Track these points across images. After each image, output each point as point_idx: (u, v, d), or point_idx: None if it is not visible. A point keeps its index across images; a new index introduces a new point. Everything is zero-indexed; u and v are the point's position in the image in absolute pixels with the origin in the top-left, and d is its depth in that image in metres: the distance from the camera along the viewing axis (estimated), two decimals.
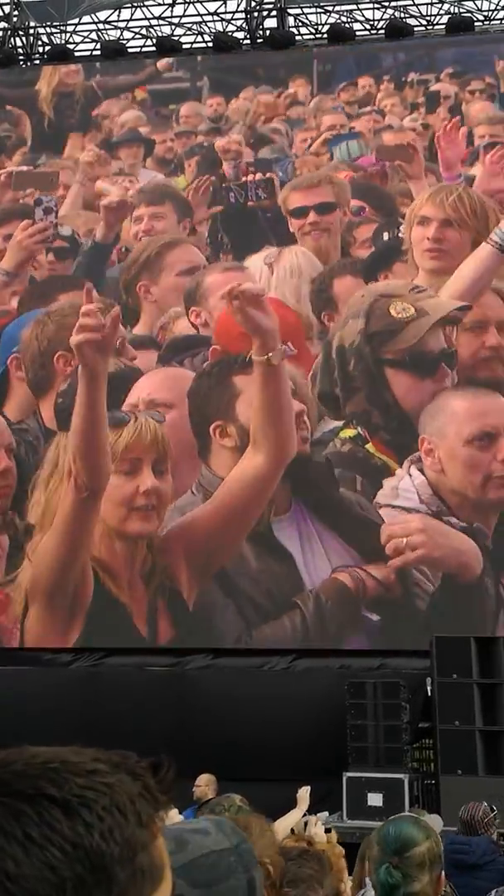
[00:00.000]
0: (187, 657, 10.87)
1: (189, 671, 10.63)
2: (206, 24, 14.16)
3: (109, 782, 0.78)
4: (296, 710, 9.82)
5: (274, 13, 14.06)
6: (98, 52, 14.24)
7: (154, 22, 14.25)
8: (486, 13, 13.56)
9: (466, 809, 4.71)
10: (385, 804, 8.19)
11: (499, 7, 13.53)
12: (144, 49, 14.24)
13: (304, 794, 4.95)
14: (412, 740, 9.46)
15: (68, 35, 14.44)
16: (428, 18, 13.63)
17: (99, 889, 0.74)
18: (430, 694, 9.21)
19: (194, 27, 14.20)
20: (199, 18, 14.17)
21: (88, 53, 14.37)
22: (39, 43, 14.62)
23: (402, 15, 13.60)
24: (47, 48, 14.46)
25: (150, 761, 0.84)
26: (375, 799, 8.42)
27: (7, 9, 14.35)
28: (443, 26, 13.44)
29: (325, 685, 9.86)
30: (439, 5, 13.59)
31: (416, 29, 13.53)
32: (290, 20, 14.07)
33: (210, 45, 14.00)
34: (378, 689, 9.20)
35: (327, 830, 3.86)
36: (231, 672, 10.49)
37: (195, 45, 14.18)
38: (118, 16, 14.32)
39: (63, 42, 14.39)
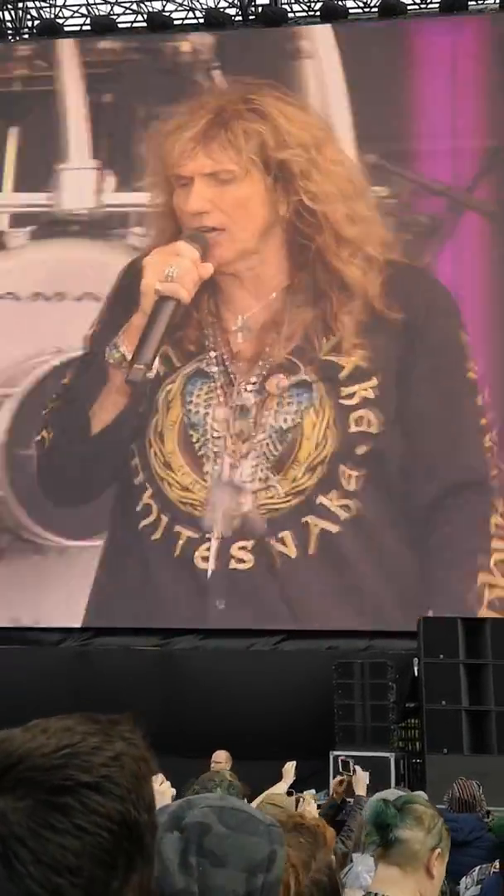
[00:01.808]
0: (175, 637, 10.91)
1: (177, 651, 10.67)
2: (197, 1, 14.01)
3: (118, 753, 0.82)
4: (284, 689, 9.88)
5: None
6: (88, 27, 14.09)
7: None
8: None
9: (462, 787, 4.74)
10: (371, 783, 8.24)
11: None
12: (135, 24, 14.10)
13: (289, 768, 5.02)
14: (399, 720, 9.54)
15: (57, 9, 14.26)
16: None
17: (140, 855, 0.79)
18: (416, 674, 9.27)
19: (185, 3, 14.05)
20: None
21: (78, 28, 14.21)
22: (28, 17, 14.44)
23: None
24: (36, 23, 14.30)
25: (130, 722, 0.88)
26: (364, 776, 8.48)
27: None
28: (437, 5, 13.35)
29: (313, 665, 9.92)
30: None
31: (409, 8, 13.43)
32: None
33: (201, 21, 13.87)
34: (365, 669, 9.28)
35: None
36: (219, 652, 10.53)
37: (186, 21, 14.04)
38: None
39: (52, 17, 14.22)
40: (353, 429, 10.97)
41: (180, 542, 10.99)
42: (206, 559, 10.91)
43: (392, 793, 3.29)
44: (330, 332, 11.26)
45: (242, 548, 10.87)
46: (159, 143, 12.10)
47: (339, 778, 4.75)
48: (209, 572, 10.89)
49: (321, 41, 12.80)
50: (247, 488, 11.00)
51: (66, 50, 13.32)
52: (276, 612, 10.75)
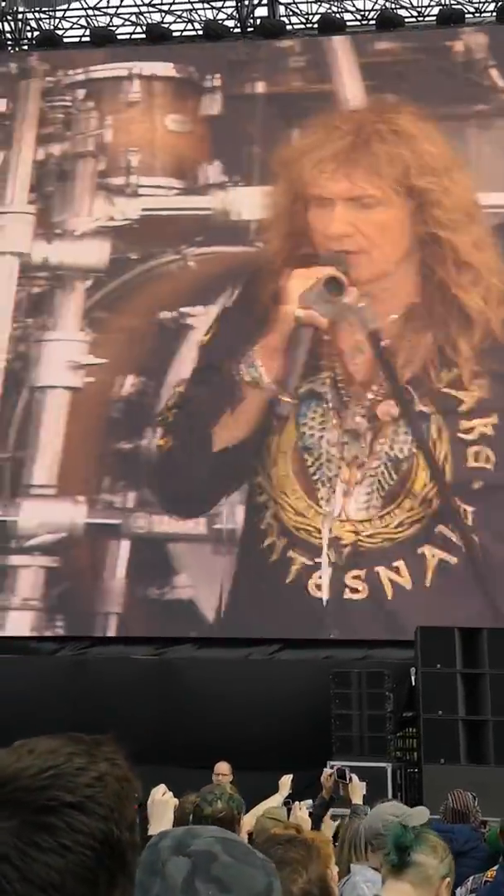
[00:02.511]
0: (172, 647, 10.91)
1: (174, 660, 10.67)
2: (196, 12, 14.10)
3: (101, 774, 0.84)
4: (281, 699, 9.87)
5: (265, 2, 14.02)
6: (87, 39, 14.17)
7: (144, 9, 14.17)
8: (476, 5, 13.56)
9: (456, 798, 4.75)
10: (368, 793, 8.23)
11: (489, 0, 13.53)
12: (134, 36, 14.18)
13: (285, 781, 5.04)
14: (396, 729, 9.52)
15: (57, 21, 14.35)
16: (419, 10, 13.62)
17: (122, 872, 0.82)
18: (413, 684, 9.27)
19: (184, 14, 14.14)
20: (189, 6, 14.11)
21: (77, 39, 14.29)
22: (28, 28, 14.52)
23: (393, 6, 13.57)
24: (36, 34, 14.38)
25: (111, 742, 0.90)
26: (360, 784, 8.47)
27: None
28: (433, 17, 13.44)
29: (311, 675, 9.91)
30: None
31: (406, 20, 13.52)
32: (281, 9, 14.02)
33: (200, 32, 13.95)
34: (362, 678, 9.27)
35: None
36: (216, 661, 10.53)
37: (185, 33, 14.12)
38: (107, 2, 14.24)
39: (52, 28, 14.31)
40: (472, 463, 10.82)
41: (294, 567, 10.78)
42: (319, 587, 10.70)
43: (393, 806, 3.31)
44: (449, 364, 11.10)
45: (356, 577, 10.68)
46: (293, 158, 11.99)
47: (328, 771, 4.76)
48: (324, 601, 10.65)
49: None
50: (360, 516, 10.84)
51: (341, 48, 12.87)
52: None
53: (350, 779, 4.56)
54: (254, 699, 9.95)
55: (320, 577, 10.69)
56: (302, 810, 3.85)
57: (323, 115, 12.32)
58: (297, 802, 4.13)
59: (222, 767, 7.26)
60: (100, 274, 12.10)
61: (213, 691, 10.06)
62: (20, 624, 11.11)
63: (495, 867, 3.69)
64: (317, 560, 10.75)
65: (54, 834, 0.79)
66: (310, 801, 5.08)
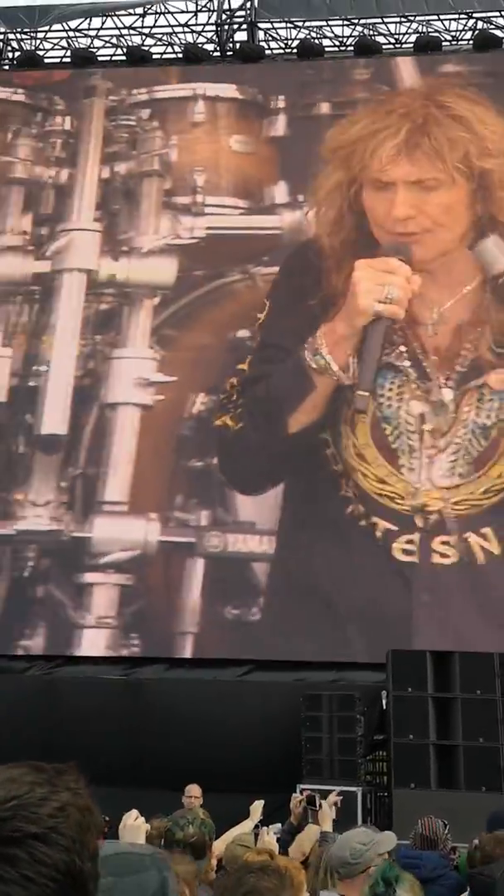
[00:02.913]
0: (142, 667, 10.83)
1: (144, 681, 10.59)
2: (176, 36, 14.20)
3: (64, 804, 0.85)
4: (251, 721, 9.82)
5: (244, 27, 14.15)
6: (68, 60, 14.23)
7: (125, 31, 14.26)
8: (453, 33, 13.76)
9: (425, 825, 4.73)
10: (338, 817, 8.19)
11: (465, 28, 13.74)
12: (114, 58, 14.26)
13: (257, 806, 5.00)
14: (366, 753, 9.49)
15: (38, 42, 14.40)
16: (396, 37, 13.80)
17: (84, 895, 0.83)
18: (385, 707, 9.25)
19: (164, 38, 14.24)
20: (169, 30, 14.22)
21: (58, 60, 14.34)
22: (9, 48, 14.56)
23: (371, 33, 13.75)
24: (17, 54, 14.42)
25: (72, 770, 0.90)
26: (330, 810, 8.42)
27: None
28: (411, 45, 13.63)
29: (281, 697, 9.88)
30: (408, 24, 13.77)
31: (384, 47, 13.69)
32: (261, 34, 14.16)
33: (180, 55, 14.05)
34: (333, 701, 9.24)
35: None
36: (186, 682, 10.46)
37: (165, 56, 14.22)
38: (89, 24, 14.32)
39: (33, 48, 14.35)
40: None
41: (377, 532, 10.88)
42: (406, 552, 10.80)
43: (361, 833, 3.29)
44: None
45: (444, 542, 10.80)
46: (347, 144, 12.07)
47: (297, 797, 4.73)
48: (414, 565, 10.75)
49: None
50: (444, 483, 10.96)
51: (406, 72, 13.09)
52: (482, 609, 10.52)
53: (320, 805, 4.53)
54: (224, 721, 9.89)
55: (408, 543, 10.78)
56: (269, 835, 3.82)
57: (374, 102, 12.54)
58: (264, 827, 4.09)
59: (193, 790, 7.22)
60: (167, 291, 12.20)
61: (183, 712, 9.99)
62: (96, 642, 11.04)
63: (465, 894, 3.68)
64: (403, 527, 10.81)
65: (17, 865, 0.79)
66: (279, 826, 5.05)
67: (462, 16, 13.70)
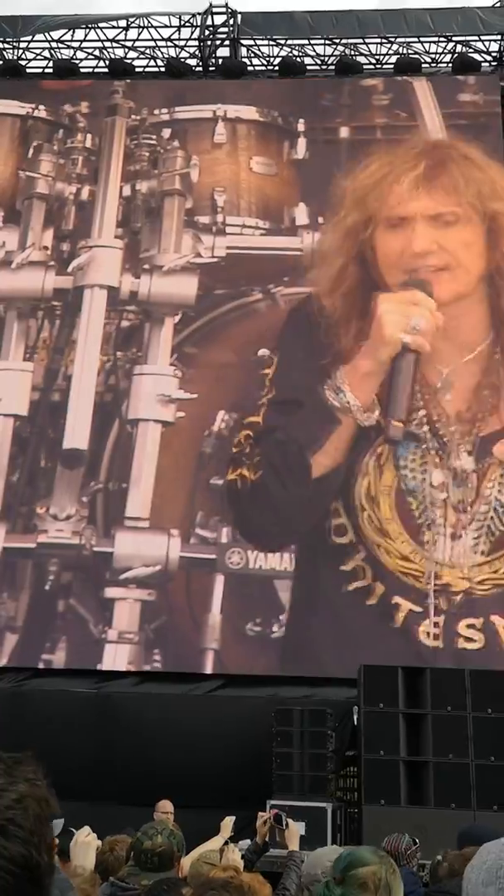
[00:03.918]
0: (113, 681, 10.76)
1: (114, 694, 10.52)
2: (159, 49, 14.27)
3: (21, 795, 0.84)
4: (222, 736, 9.77)
5: (227, 43, 14.24)
6: (50, 70, 14.24)
7: (107, 44, 14.30)
8: (432, 55, 13.93)
9: (389, 841, 4.73)
10: (307, 833, 8.17)
11: (445, 51, 13.91)
12: (97, 70, 14.29)
13: (227, 822, 4.95)
14: (337, 769, 9.46)
15: (20, 52, 14.41)
16: (377, 57, 13.94)
17: (39, 891, 0.83)
18: (356, 723, 9.23)
19: (147, 52, 14.30)
20: (152, 43, 14.28)
21: (40, 71, 14.35)
22: None
23: (353, 53, 13.88)
24: None
25: (29, 760, 0.89)
26: (298, 828, 8.38)
27: None
28: (391, 66, 13.77)
29: (253, 712, 9.84)
30: (388, 45, 13.92)
31: (364, 67, 13.82)
32: (243, 51, 14.26)
33: (163, 69, 14.11)
34: (305, 716, 9.21)
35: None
36: (156, 696, 10.40)
37: (148, 70, 14.27)
38: (72, 35, 14.35)
39: (15, 58, 14.35)
40: None
41: (400, 613, 10.58)
42: (431, 635, 10.45)
43: (333, 850, 3.28)
44: None
45: (470, 626, 10.51)
46: (368, 185, 12.12)
47: (263, 816, 4.68)
48: (437, 649, 10.40)
49: None
50: (469, 562, 10.65)
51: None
52: None
53: (286, 824, 4.49)
54: (195, 736, 9.84)
55: (434, 626, 10.44)
56: (234, 852, 3.79)
57: (395, 144, 12.65)
58: (230, 844, 4.05)
59: (166, 805, 7.17)
60: (188, 309, 12.25)
61: (154, 727, 9.93)
62: (119, 657, 10.94)
63: None
64: (427, 608, 10.49)
65: None
66: (247, 842, 5.02)
67: (442, 39, 13.87)
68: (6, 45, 14.38)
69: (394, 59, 13.82)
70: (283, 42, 14.04)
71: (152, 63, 14.29)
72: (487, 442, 11.05)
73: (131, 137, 13.27)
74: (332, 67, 13.82)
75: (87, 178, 13.13)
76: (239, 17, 14.14)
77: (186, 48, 14.22)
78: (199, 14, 14.15)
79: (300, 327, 11.89)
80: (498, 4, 14.08)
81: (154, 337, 12.20)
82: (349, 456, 11.10)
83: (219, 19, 14.18)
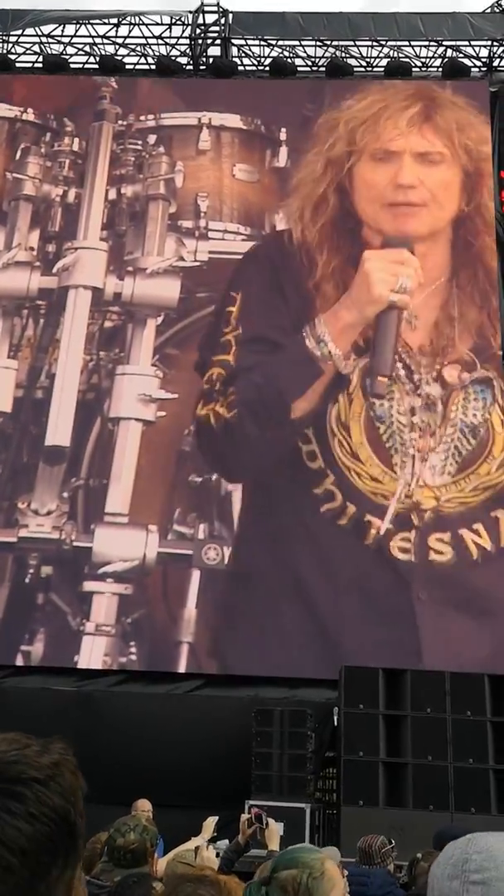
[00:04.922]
0: (92, 679, 10.74)
1: (95, 693, 10.50)
2: (150, 47, 14.24)
3: (56, 761, 0.93)
4: (203, 736, 9.77)
5: (218, 42, 14.24)
6: (40, 65, 14.19)
7: (98, 40, 14.27)
8: (423, 59, 13.97)
9: (364, 840, 4.75)
10: (286, 834, 8.18)
11: (435, 55, 13.96)
12: (87, 66, 14.26)
13: (209, 823, 4.94)
14: (316, 769, 9.48)
15: (10, 46, 14.35)
16: (368, 60, 13.97)
17: (74, 854, 0.90)
18: (336, 724, 9.25)
19: (138, 49, 14.27)
20: (143, 41, 14.25)
21: (30, 65, 14.30)
22: None
23: (343, 55, 13.91)
24: None
25: (59, 741, 0.99)
26: (278, 828, 8.39)
27: None
28: (381, 69, 13.81)
29: (233, 712, 9.84)
30: (379, 48, 13.95)
31: (355, 70, 13.85)
32: (234, 50, 14.25)
33: (153, 67, 14.09)
34: (285, 717, 9.22)
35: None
36: (137, 696, 10.39)
37: (138, 67, 14.25)
38: (62, 31, 14.30)
39: (4, 52, 14.29)
40: None
41: (371, 530, 10.98)
42: (403, 550, 10.91)
43: (308, 849, 3.28)
44: (496, 330, 11.70)
45: (439, 539, 10.96)
46: (357, 117, 12.47)
47: (246, 817, 4.67)
48: (410, 562, 10.88)
49: None
50: (437, 481, 11.12)
51: None
52: (479, 603, 10.65)
53: (266, 823, 4.50)
54: (174, 736, 9.83)
55: (405, 541, 10.93)
56: (209, 850, 3.78)
57: (381, 86, 13.12)
58: (204, 844, 4.05)
59: (144, 804, 7.15)
60: (170, 312, 12.39)
61: (133, 726, 9.92)
62: (95, 649, 11.04)
63: None
64: (398, 525, 10.96)
65: (24, 802, 0.87)
66: (225, 842, 5.01)
67: (432, 43, 13.92)
68: None
69: (384, 62, 13.86)
70: (273, 42, 14.05)
71: (143, 60, 14.27)
72: (451, 371, 11.54)
73: (118, 142, 13.41)
74: (323, 69, 13.84)
75: (74, 181, 13.24)
76: (230, 16, 14.14)
77: (177, 46, 14.21)
78: (190, 12, 14.15)
79: (270, 262, 12.22)
80: (489, 10, 14.15)
81: (136, 338, 12.32)
82: (326, 399, 11.45)
83: (210, 18, 14.18)
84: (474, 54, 13.93)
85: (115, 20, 14.22)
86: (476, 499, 11.09)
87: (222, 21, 14.14)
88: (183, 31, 14.16)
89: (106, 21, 14.25)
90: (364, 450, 11.26)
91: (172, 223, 12.83)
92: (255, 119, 13.28)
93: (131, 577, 11.24)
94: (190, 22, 14.11)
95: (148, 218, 12.87)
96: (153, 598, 11.23)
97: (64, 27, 14.28)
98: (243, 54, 14.25)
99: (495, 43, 13.89)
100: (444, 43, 13.89)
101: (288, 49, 14.05)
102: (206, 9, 14.12)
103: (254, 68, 14.18)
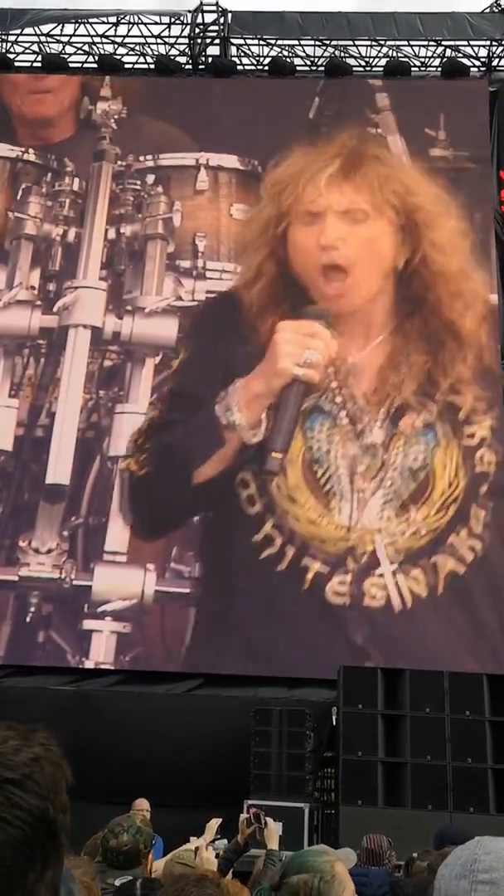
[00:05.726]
0: (92, 679, 10.74)
1: (94, 692, 10.50)
2: (149, 46, 14.25)
3: (37, 756, 0.89)
4: (201, 735, 9.77)
5: (217, 41, 14.24)
6: (39, 65, 14.19)
7: (97, 39, 14.27)
8: (422, 59, 13.98)
9: (370, 839, 4.76)
10: (284, 833, 8.18)
11: (434, 55, 13.97)
12: (86, 65, 14.26)
13: (213, 824, 4.93)
14: (315, 769, 9.48)
15: (9, 45, 14.35)
16: (367, 60, 13.98)
17: (55, 853, 0.86)
18: (335, 723, 9.25)
19: (137, 48, 14.28)
20: (142, 40, 14.26)
21: (29, 64, 14.30)
22: None
23: (343, 55, 13.91)
24: None
25: (43, 729, 0.95)
26: (277, 827, 8.39)
27: None
28: (381, 69, 13.81)
29: (232, 711, 9.85)
30: (378, 48, 13.96)
31: (354, 70, 13.86)
32: (233, 50, 14.26)
33: (152, 66, 14.09)
34: (283, 716, 9.23)
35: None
36: (136, 695, 10.39)
37: (137, 66, 14.25)
38: (61, 30, 14.31)
39: (3, 52, 14.29)
40: (479, 468, 11.41)
41: (309, 575, 10.98)
42: (338, 594, 10.92)
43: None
44: (446, 374, 11.70)
45: (374, 585, 10.95)
46: (283, 178, 12.49)
47: (245, 816, 4.68)
48: (345, 606, 10.89)
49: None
50: (375, 526, 11.14)
51: None
52: (406, 651, 10.57)
53: (265, 823, 4.50)
54: (174, 735, 9.84)
55: (341, 584, 10.92)
56: (208, 850, 3.78)
57: (308, 144, 12.97)
58: (203, 844, 4.05)
59: (142, 804, 7.15)
60: (168, 351, 12.44)
61: (133, 726, 9.92)
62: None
63: None
64: (336, 569, 10.96)
65: None
66: (224, 842, 5.01)
67: (431, 43, 13.93)
68: None
69: (383, 61, 13.87)
70: (273, 42, 14.05)
71: (142, 60, 14.27)
72: (396, 417, 11.61)
73: (117, 182, 13.51)
74: (322, 69, 13.84)
75: (74, 221, 13.34)
76: (229, 15, 14.15)
77: (176, 46, 14.21)
78: (189, 12, 14.15)
79: (216, 321, 12.26)
80: (487, 10, 14.16)
81: (135, 377, 12.41)
82: (230, 469, 11.46)
83: (209, 17, 14.18)
84: (473, 54, 13.94)
85: (114, 19, 14.23)
86: (417, 544, 11.08)
87: (221, 20, 14.14)
88: (182, 31, 14.17)
89: (105, 20, 14.26)
90: (301, 493, 11.27)
91: (170, 262, 12.93)
92: (251, 159, 13.33)
93: (129, 616, 11.30)
94: (189, 21, 14.11)
95: (146, 257, 12.98)
96: (151, 637, 11.26)
97: (63, 26, 14.28)
98: (242, 54, 14.25)
99: (494, 43, 13.90)
100: (444, 43, 13.90)
101: (287, 49, 14.05)
102: (205, 8, 14.13)
103: (253, 68, 14.18)
